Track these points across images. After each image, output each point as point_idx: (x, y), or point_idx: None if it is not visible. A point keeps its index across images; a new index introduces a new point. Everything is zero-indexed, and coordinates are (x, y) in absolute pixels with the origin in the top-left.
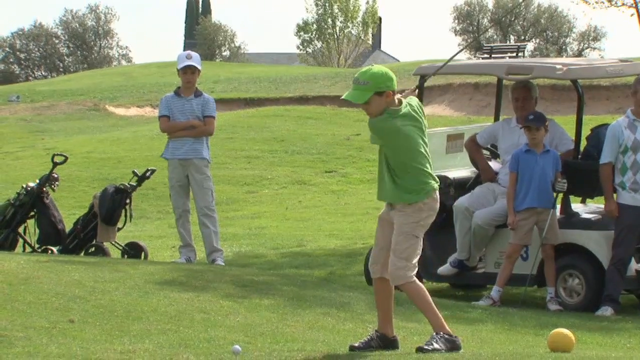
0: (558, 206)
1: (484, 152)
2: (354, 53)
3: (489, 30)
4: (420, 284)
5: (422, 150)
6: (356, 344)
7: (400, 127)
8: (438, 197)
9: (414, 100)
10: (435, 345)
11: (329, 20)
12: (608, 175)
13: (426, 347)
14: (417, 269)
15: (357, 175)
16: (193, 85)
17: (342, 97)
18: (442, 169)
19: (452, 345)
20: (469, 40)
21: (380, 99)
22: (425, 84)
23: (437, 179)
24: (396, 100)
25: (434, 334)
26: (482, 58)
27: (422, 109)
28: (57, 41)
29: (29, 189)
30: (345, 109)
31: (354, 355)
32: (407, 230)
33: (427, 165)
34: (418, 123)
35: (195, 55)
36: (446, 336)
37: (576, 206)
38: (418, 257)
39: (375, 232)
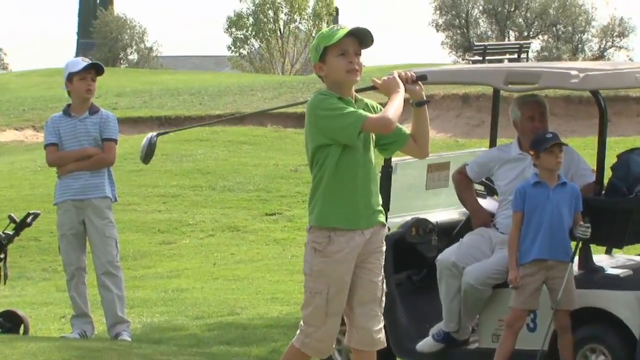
0: (576, 259)
1: (477, 187)
2: (303, 55)
3: (481, 23)
4: None
5: None
6: None
7: None
8: None
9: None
10: None
11: (270, 12)
12: None
13: None
14: None
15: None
16: (92, 96)
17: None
18: (421, 209)
19: None
20: (454, 38)
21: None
22: None
23: None
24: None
25: None
26: (473, 62)
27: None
28: None
29: None
30: (292, 130)
31: None
32: (382, 269)
33: None
34: None
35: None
36: None
37: (599, 258)
38: None
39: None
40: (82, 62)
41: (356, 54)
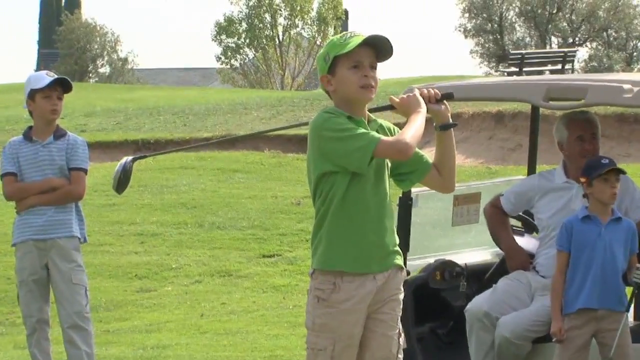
0: (631, 308)
1: (513, 223)
2: (307, 67)
3: (518, 28)
4: None
5: None
6: None
7: None
8: None
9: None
10: None
11: (267, 16)
12: None
13: None
14: None
15: None
16: (57, 117)
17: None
18: (447, 250)
19: None
20: (486, 45)
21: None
22: None
23: None
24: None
25: None
26: (509, 73)
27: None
28: None
29: None
30: (294, 156)
31: None
32: (398, 321)
33: None
34: None
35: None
36: None
37: None
38: None
39: None
40: (47, 77)
41: (372, 67)
